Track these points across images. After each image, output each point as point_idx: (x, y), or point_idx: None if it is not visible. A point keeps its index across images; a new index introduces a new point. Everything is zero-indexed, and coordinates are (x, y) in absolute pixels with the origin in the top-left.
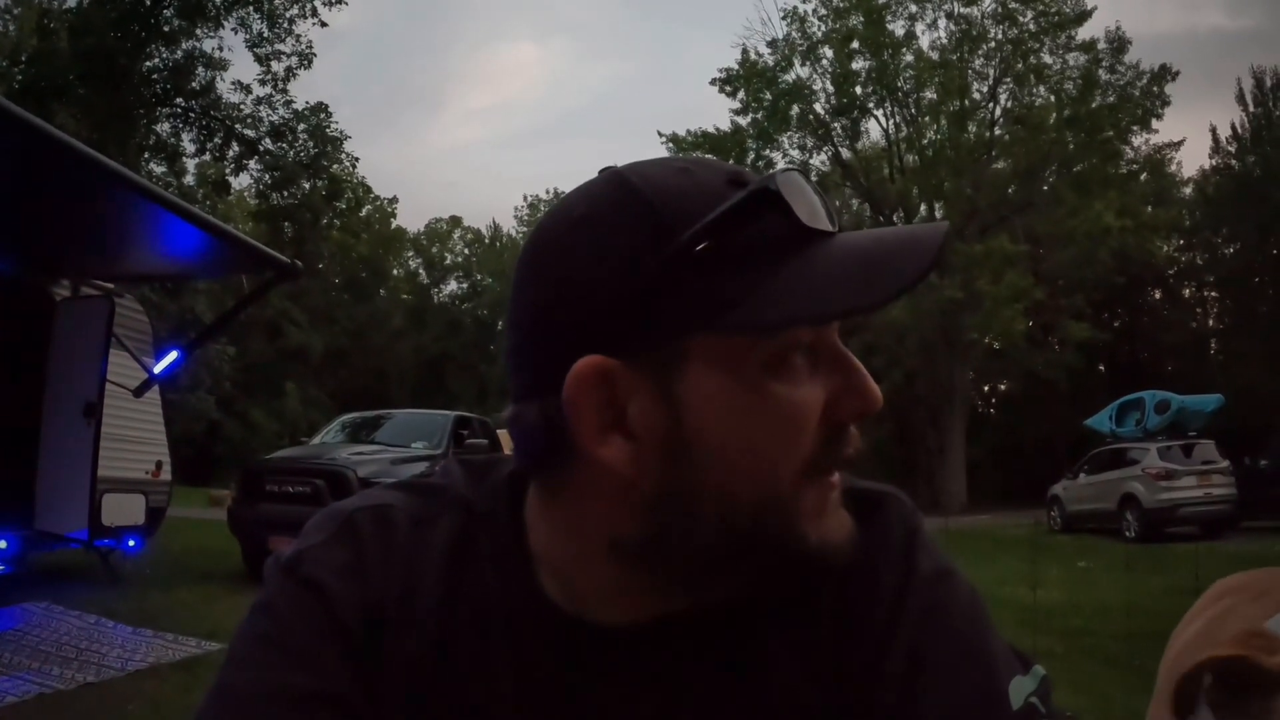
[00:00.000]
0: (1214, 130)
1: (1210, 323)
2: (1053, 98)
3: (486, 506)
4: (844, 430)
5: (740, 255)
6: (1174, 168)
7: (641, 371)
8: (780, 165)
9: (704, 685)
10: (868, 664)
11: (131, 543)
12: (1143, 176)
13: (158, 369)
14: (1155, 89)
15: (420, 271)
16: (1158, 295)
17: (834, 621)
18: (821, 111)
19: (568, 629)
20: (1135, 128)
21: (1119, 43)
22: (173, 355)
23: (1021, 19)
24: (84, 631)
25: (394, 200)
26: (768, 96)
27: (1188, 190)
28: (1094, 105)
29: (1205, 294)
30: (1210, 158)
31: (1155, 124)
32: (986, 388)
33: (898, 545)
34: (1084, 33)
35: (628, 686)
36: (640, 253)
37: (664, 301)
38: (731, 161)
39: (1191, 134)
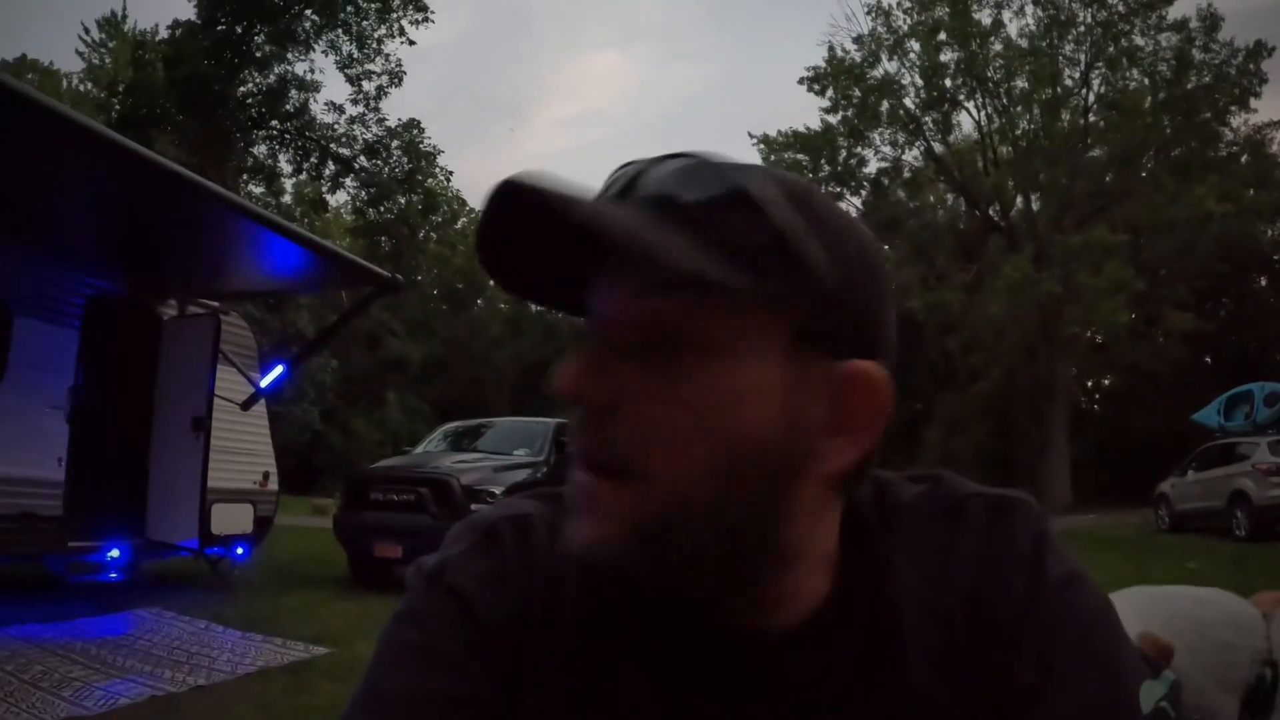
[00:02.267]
0: None
1: None
2: (1146, 81)
3: None
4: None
5: None
6: (1275, 148)
7: None
8: (872, 163)
9: (846, 690)
10: (998, 669)
11: (240, 550)
12: (1243, 158)
13: (264, 383)
14: (1251, 66)
15: None
16: (1264, 282)
17: (966, 627)
18: (911, 106)
19: (710, 636)
20: (1233, 107)
21: (1211, 20)
22: (278, 369)
23: (1110, 1)
24: (194, 636)
25: None
26: (856, 93)
27: None
28: (1189, 86)
29: None
30: None
31: (1254, 103)
32: (1089, 383)
33: (1026, 550)
34: (1175, 12)
35: (771, 692)
36: None
37: None
38: (824, 160)
39: None
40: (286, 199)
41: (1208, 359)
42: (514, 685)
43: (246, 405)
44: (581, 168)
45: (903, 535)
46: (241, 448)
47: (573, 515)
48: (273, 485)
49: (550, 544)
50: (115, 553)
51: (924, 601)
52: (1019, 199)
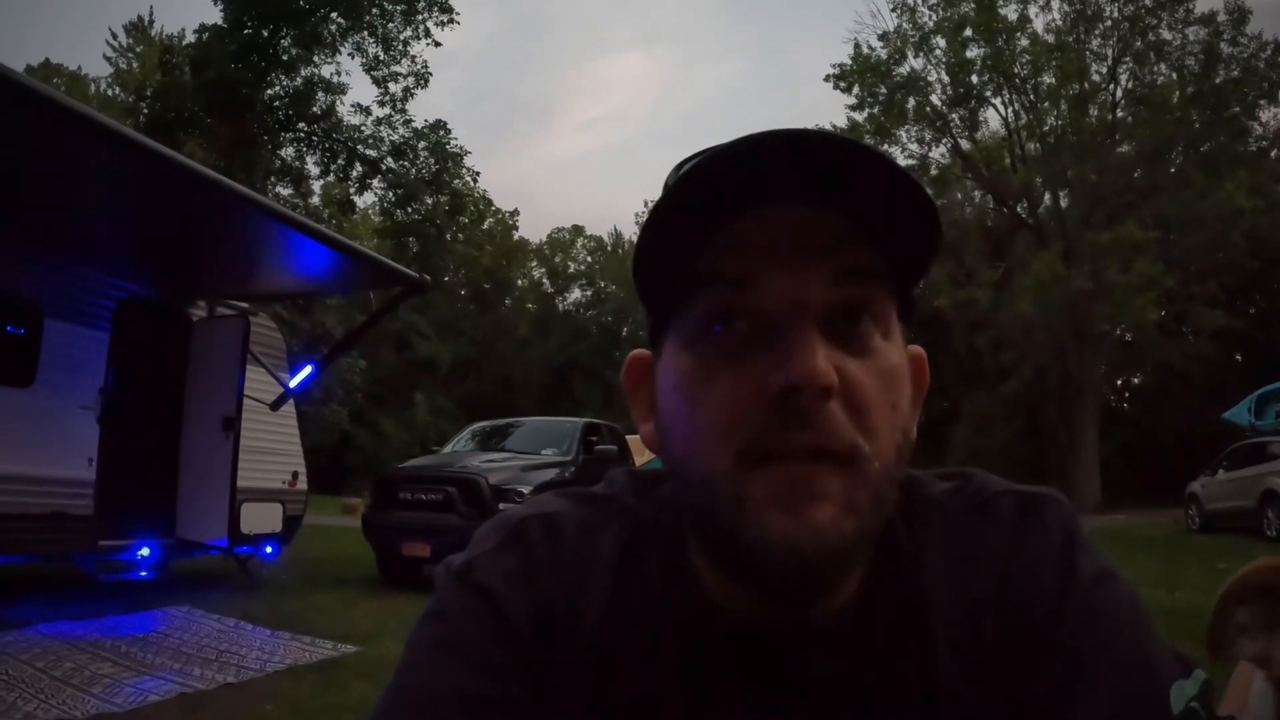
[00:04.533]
0: None
1: None
2: (1174, 75)
3: (652, 516)
4: (786, 410)
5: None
6: None
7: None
8: (899, 160)
9: (875, 688)
10: (1027, 667)
11: (269, 549)
12: (1273, 153)
13: (292, 383)
14: None
15: (544, 281)
16: None
17: (995, 624)
18: (938, 103)
19: (737, 636)
20: (1262, 102)
21: (1239, 14)
22: (307, 370)
23: None
24: (224, 634)
25: (515, 213)
26: (882, 90)
27: None
28: (1218, 81)
29: None
30: None
31: None
32: (1119, 381)
33: (1056, 547)
34: (1202, 5)
35: (800, 690)
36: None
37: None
38: None
39: None
40: (315, 200)
41: (1238, 356)
42: (542, 683)
43: (275, 405)
44: (610, 167)
45: (932, 532)
46: (271, 448)
47: (792, 505)
48: (302, 485)
49: (579, 543)
50: (145, 551)
51: (953, 598)
52: (1047, 196)
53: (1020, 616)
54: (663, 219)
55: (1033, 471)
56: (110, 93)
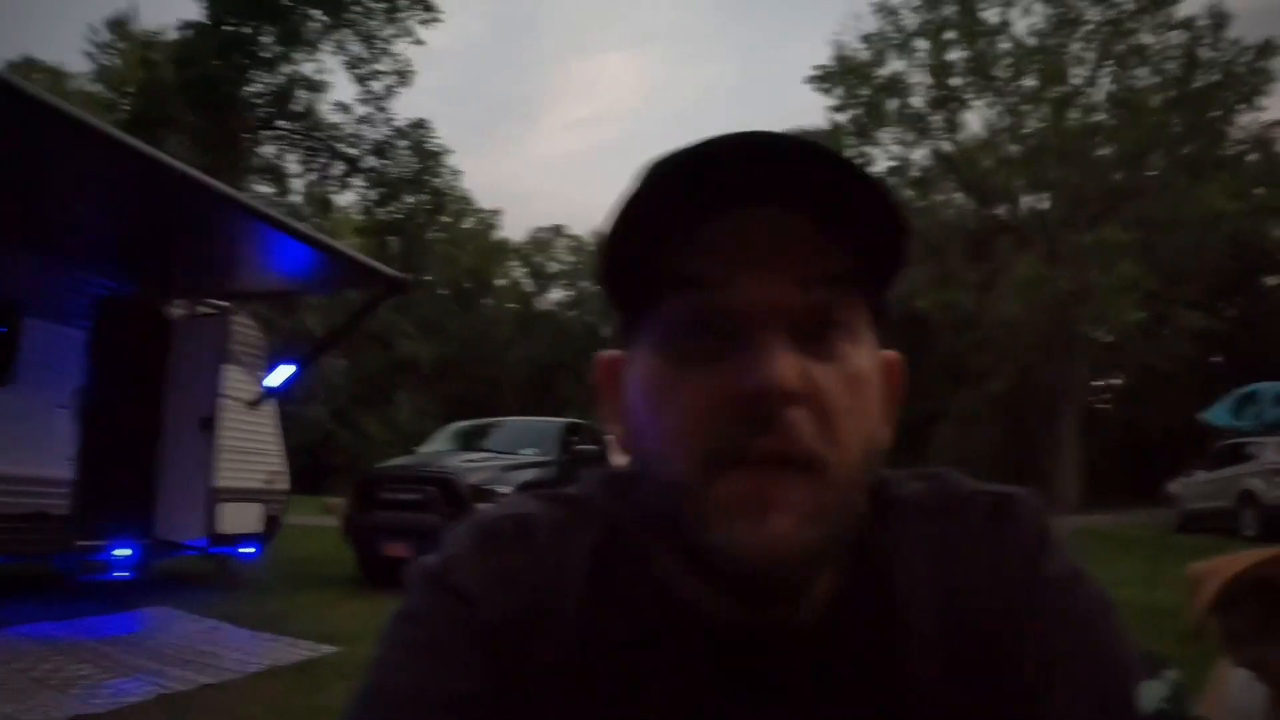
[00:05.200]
0: None
1: None
2: (1155, 79)
3: (626, 517)
4: (751, 415)
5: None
6: None
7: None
8: (880, 162)
9: (850, 688)
10: (999, 667)
11: (249, 550)
12: (1252, 156)
13: (273, 382)
14: (1260, 64)
15: (525, 281)
16: (1274, 281)
17: (967, 625)
18: (919, 105)
19: (712, 636)
20: (1242, 105)
21: (1219, 18)
22: (288, 369)
23: None
24: (203, 635)
25: (497, 212)
26: (864, 92)
27: None
28: (1198, 84)
29: None
30: None
31: (1262, 101)
32: (1100, 382)
33: (1027, 548)
34: (1183, 9)
35: (777, 691)
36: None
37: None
38: None
39: None
40: (295, 198)
41: (1218, 358)
42: (517, 684)
43: (255, 405)
44: (594, 168)
45: (905, 532)
46: (250, 447)
47: (755, 512)
48: (282, 484)
49: (552, 545)
50: (124, 551)
51: (927, 598)
52: (1029, 198)
53: (991, 617)
54: (629, 221)
55: (1015, 471)
56: (91, 89)
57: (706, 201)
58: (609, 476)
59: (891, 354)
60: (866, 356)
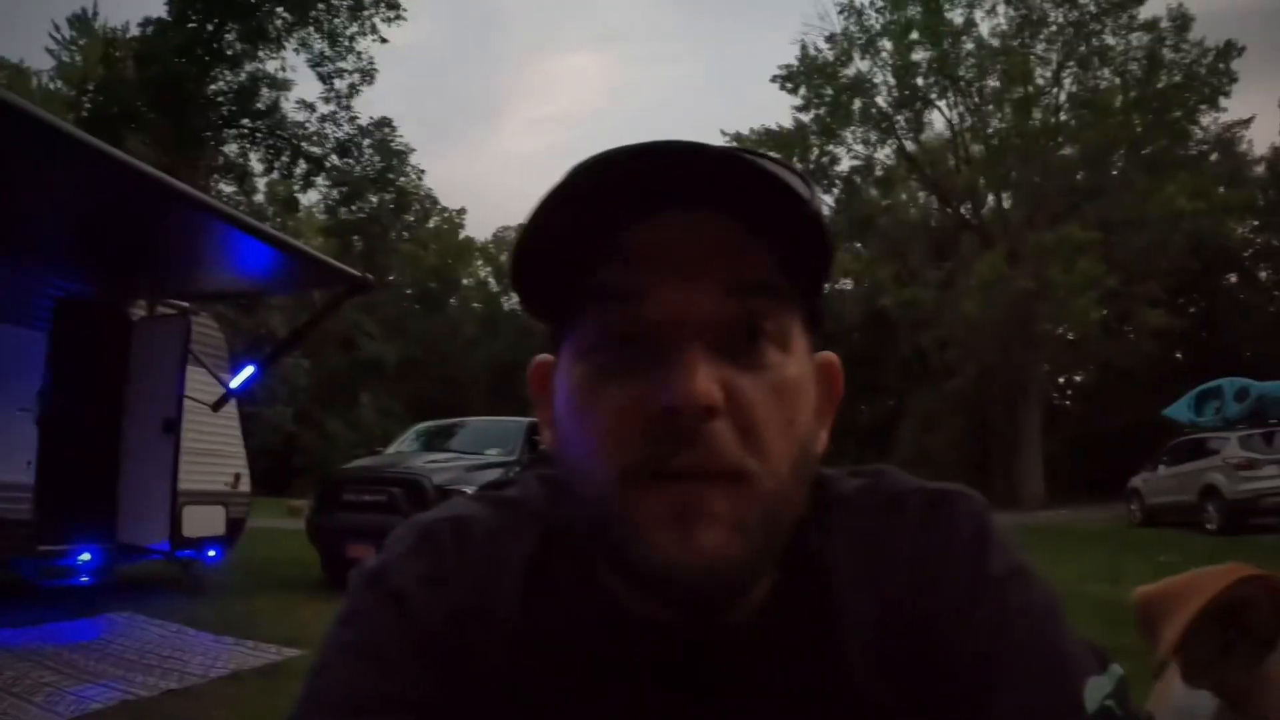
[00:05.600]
0: None
1: None
2: (1118, 80)
3: (563, 521)
4: (670, 430)
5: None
6: (1245, 146)
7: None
8: (844, 161)
9: (786, 690)
10: (938, 668)
11: (212, 553)
12: (1213, 157)
13: (234, 383)
14: (1222, 66)
15: (490, 280)
16: (1233, 279)
17: (905, 625)
18: (884, 105)
19: (648, 641)
20: (1203, 106)
21: (1182, 20)
22: (249, 370)
23: (1082, 0)
24: (167, 640)
25: (462, 211)
26: (829, 92)
27: (1260, 169)
28: (1160, 85)
29: None
30: None
31: (1223, 102)
32: (1062, 379)
33: (967, 545)
34: (1145, 12)
35: (713, 693)
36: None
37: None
38: (796, 158)
39: (1261, 111)
40: (259, 198)
41: (1179, 355)
42: (453, 687)
43: (217, 406)
44: (558, 166)
45: (842, 532)
46: (213, 449)
47: (679, 527)
48: (245, 487)
49: (489, 548)
50: (86, 556)
51: (864, 600)
52: (991, 197)
53: (930, 616)
54: (543, 230)
55: (977, 468)
56: (52, 86)
57: (624, 209)
58: (549, 479)
59: (827, 356)
60: (797, 364)
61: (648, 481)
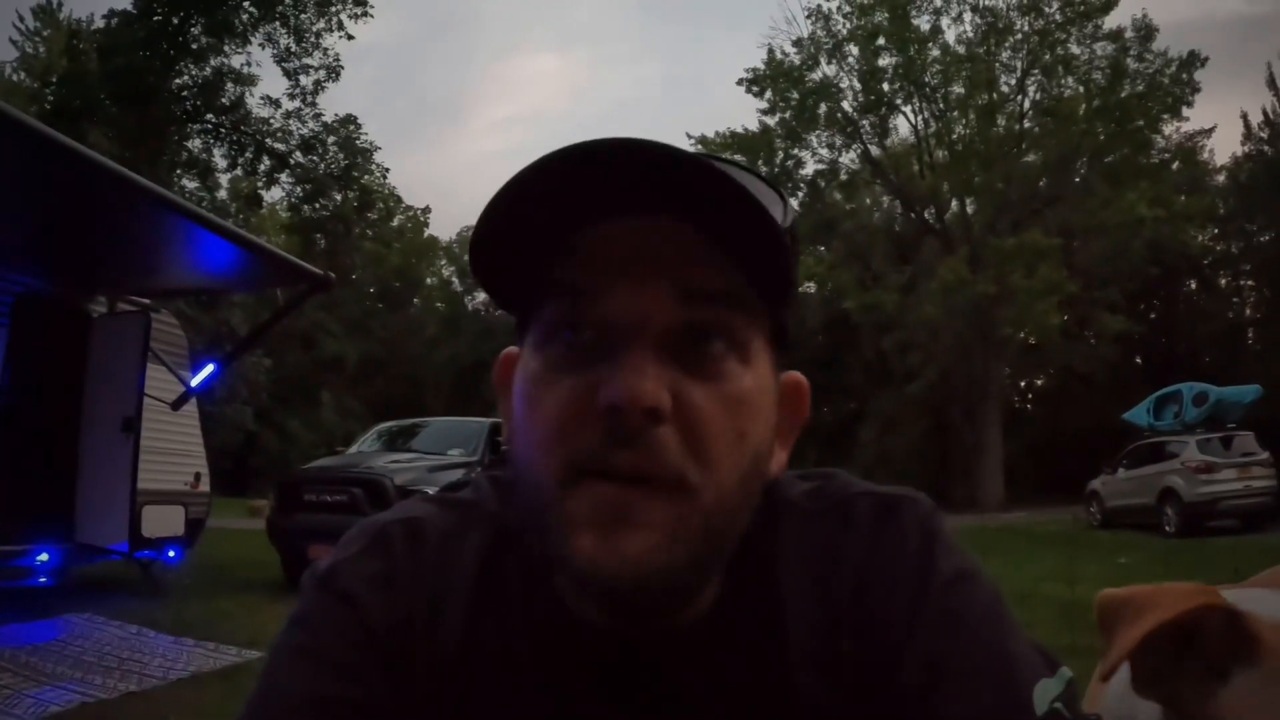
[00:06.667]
0: (1245, 116)
1: (1247, 312)
2: (1081, 88)
3: (515, 523)
4: (613, 428)
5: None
6: (1206, 155)
7: None
8: (809, 165)
9: (732, 694)
10: (884, 672)
11: (171, 554)
12: (1174, 165)
13: (194, 382)
14: (1184, 76)
15: (453, 280)
16: (1193, 285)
17: (852, 631)
18: (849, 109)
19: (595, 646)
20: (1165, 116)
21: (1146, 30)
22: (209, 368)
23: (1047, 9)
24: (125, 641)
25: (426, 210)
26: (795, 96)
27: (1220, 178)
28: (1123, 95)
29: (1241, 283)
30: (1242, 144)
31: (1186, 111)
32: (1023, 383)
33: (914, 548)
34: (1110, 21)
35: (658, 696)
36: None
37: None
38: (761, 161)
39: (1223, 120)
40: (222, 194)
41: (1138, 360)
42: (402, 689)
43: (177, 405)
44: (519, 168)
45: (790, 536)
46: (172, 448)
47: (604, 530)
48: (204, 486)
49: (441, 550)
50: (44, 557)
51: (810, 605)
52: (954, 202)
53: (878, 622)
54: (497, 225)
55: (938, 470)
56: (15, 78)
57: (578, 209)
58: (499, 481)
59: (795, 376)
60: (755, 378)
61: (584, 478)
